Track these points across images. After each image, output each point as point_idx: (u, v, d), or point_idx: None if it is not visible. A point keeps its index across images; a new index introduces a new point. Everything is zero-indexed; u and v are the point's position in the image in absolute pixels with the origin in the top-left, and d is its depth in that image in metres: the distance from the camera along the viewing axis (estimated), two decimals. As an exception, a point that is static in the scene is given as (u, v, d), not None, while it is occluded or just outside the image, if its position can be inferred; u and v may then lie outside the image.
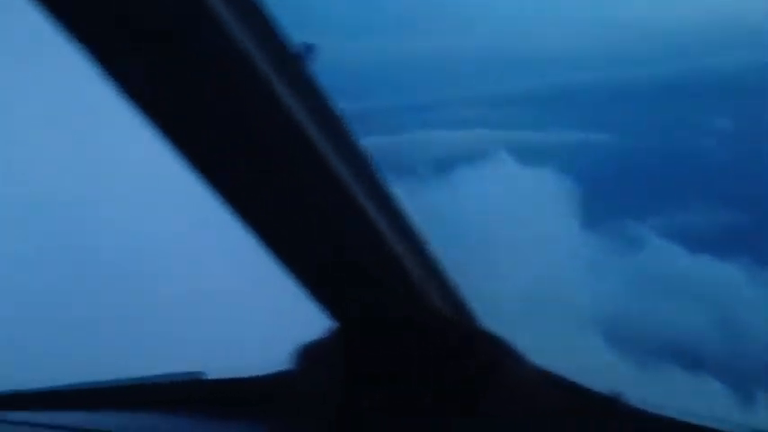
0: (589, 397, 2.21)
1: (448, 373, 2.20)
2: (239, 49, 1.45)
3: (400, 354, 2.19)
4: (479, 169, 43.18)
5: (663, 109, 56.26)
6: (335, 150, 1.73)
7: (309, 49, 1.67)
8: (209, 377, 2.55)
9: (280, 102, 1.54)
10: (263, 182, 1.76)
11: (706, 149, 46.59)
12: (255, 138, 1.65)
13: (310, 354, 2.29)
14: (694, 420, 2.24)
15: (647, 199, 34.70)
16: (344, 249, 1.98)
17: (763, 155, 41.59)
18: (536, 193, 37.23)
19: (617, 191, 37.66)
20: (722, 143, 47.20)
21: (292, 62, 1.58)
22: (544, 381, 2.24)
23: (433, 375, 2.20)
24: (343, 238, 1.94)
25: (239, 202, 1.80)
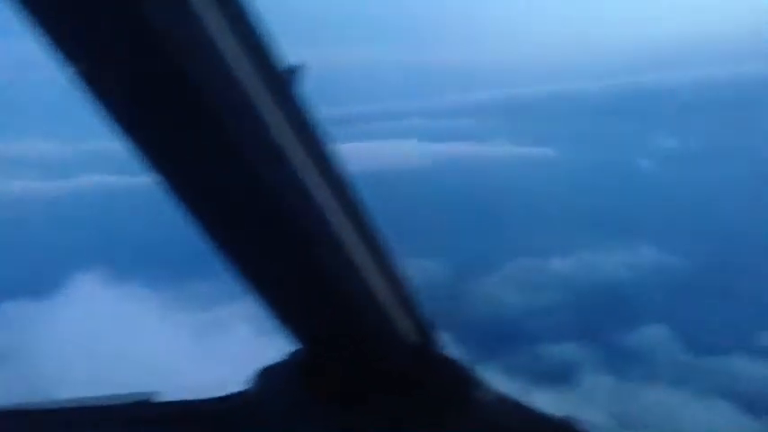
0: (544, 421, 2.38)
1: (410, 397, 2.31)
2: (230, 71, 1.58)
3: (363, 377, 2.30)
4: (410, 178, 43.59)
5: (607, 125, 57.58)
6: (316, 172, 1.86)
7: (295, 70, 1.77)
8: (162, 399, 2.66)
9: (265, 121, 1.68)
10: (239, 200, 1.85)
11: (643, 168, 47.94)
12: (242, 163, 1.74)
13: (272, 376, 2.40)
14: None
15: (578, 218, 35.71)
16: (317, 273, 2.05)
17: (703, 175, 42.69)
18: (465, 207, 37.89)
19: (555, 207, 38.64)
20: (663, 164, 48.57)
21: (280, 82, 1.72)
22: (504, 406, 2.40)
23: (395, 399, 2.30)
24: (318, 263, 2.02)
25: (213, 224, 1.90)
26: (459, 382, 2.36)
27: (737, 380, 20.74)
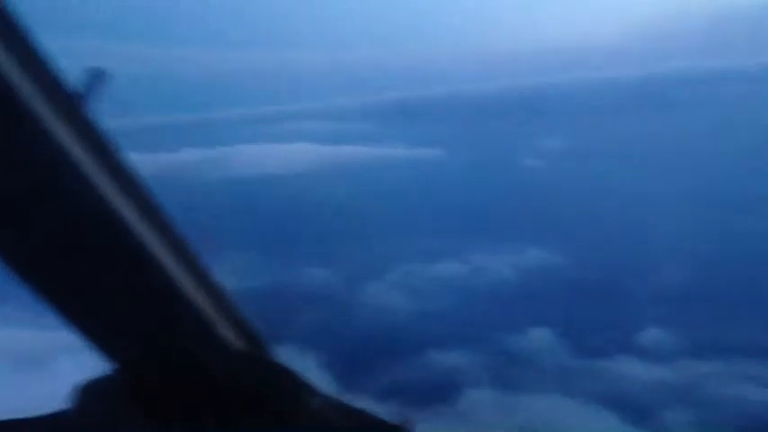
0: (376, 424, 2.46)
1: (240, 404, 2.35)
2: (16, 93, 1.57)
3: (191, 387, 2.34)
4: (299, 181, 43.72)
5: (495, 126, 58.78)
6: (117, 188, 1.87)
7: (99, 76, 1.80)
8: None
9: (58, 143, 1.67)
10: (42, 219, 1.82)
11: (531, 169, 49.20)
12: (37, 179, 1.73)
13: (93, 392, 2.40)
14: None
15: (468, 218, 36.25)
16: (128, 288, 2.07)
17: (590, 177, 44.07)
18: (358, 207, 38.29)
19: (443, 208, 39.13)
20: (549, 164, 49.89)
21: (70, 103, 1.72)
22: (335, 408, 2.45)
23: (225, 407, 2.35)
24: (131, 277, 2.06)
25: (12, 248, 1.88)
26: (287, 387, 2.39)
27: (623, 383, 21.23)
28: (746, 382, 20.79)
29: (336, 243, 32.48)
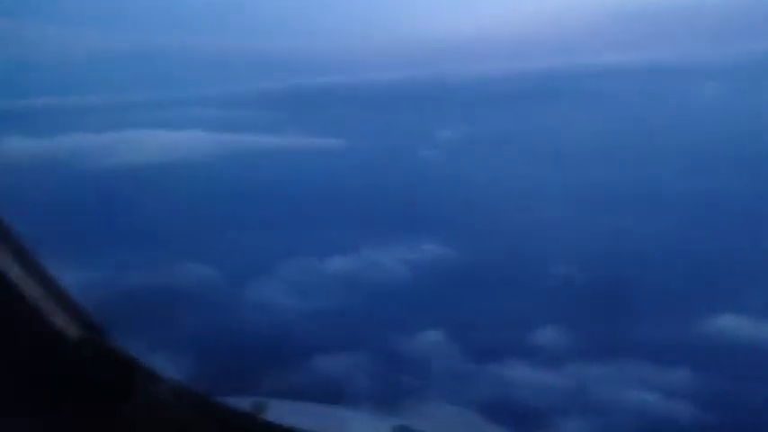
0: (226, 410, 2.41)
1: (81, 391, 2.25)
2: None
3: (25, 376, 2.26)
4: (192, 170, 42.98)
5: (394, 117, 59.02)
6: None
7: None
8: None
9: None
10: None
11: (428, 161, 49.57)
12: None
13: None
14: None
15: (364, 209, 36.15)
16: None
17: (487, 169, 44.40)
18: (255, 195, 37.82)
19: (341, 197, 38.98)
20: (446, 156, 50.34)
21: None
22: (181, 395, 2.34)
23: (60, 393, 2.27)
24: None
25: None
26: (127, 373, 2.34)
27: (515, 388, 20.86)
28: (639, 386, 20.70)
29: (224, 236, 31.68)
